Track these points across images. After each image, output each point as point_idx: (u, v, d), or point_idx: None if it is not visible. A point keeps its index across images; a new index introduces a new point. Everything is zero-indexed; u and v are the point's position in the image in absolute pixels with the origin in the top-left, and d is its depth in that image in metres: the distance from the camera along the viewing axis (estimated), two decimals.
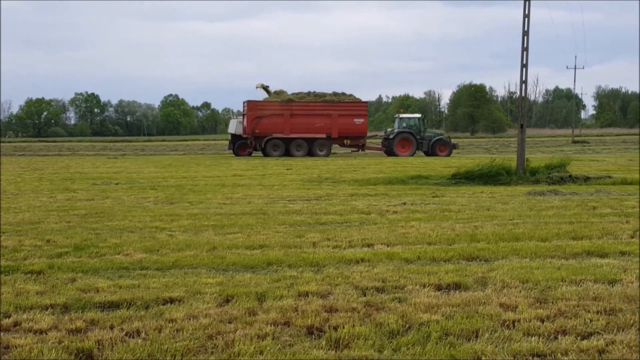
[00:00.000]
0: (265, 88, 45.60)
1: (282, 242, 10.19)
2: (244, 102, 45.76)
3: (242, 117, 45.59)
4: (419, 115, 48.15)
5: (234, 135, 46.06)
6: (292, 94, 45.71)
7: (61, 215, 13.50)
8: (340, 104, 44.86)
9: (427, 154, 44.43)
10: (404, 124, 45.89)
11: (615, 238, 10.47)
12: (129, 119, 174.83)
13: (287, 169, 29.20)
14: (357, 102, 46.47)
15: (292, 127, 43.73)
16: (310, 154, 43.59)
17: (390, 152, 44.60)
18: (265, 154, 43.39)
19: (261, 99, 45.57)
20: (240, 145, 45.41)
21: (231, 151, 46.47)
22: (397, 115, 48.26)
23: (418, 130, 45.14)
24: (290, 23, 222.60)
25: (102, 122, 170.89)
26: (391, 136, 45.23)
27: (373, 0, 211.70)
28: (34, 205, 15.46)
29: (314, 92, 46.25)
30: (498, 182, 20.61)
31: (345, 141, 45.34)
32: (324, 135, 44.06)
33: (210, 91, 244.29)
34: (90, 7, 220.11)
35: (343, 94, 46.34)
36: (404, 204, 15.31)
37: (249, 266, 8.50)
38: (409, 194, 17.83)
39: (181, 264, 8.62)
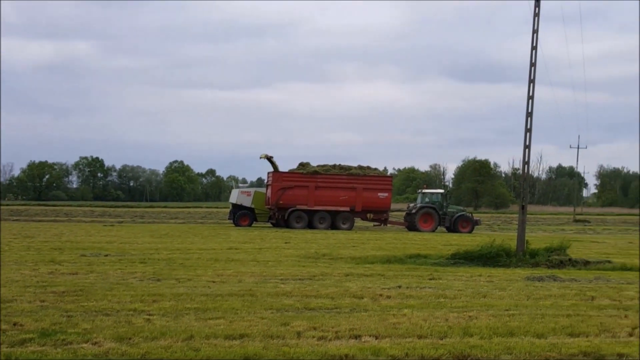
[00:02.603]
0: (269, 158, 45.40)
1: (264, 331, 9.55)
2: (268, 173, 45.66)
3: (246, 186, 45.22)
4: (441, 191, 48.05)
5: (234, 205, 45.79)
6: (317, 165, 45.66)
7: (37, 293, 12.87)
8: (365, 178, 44.67)
9: (449, 229, 44.02)
10: (427, 199, 45.67)
11: (613, 336, 9.90)
12: (132, 184, 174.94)
13: (286, 242, 28.60)
14: (382, 176, 46.31)
15: (316, 199, 43.54)
16: (334, 226, 43.27)
17: (412, 227, 44.21)
18: (288, 226, 43.04)
19: (270, 169, 45.39)
20: (240, 216, 45.07)
21: (231, 221, 46.07)
22: (420, 191, 48.09)
23: (440, 205, 44.84)
24: (302, 94, 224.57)
25: (104, 187, 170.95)
26: (413, 211, 44.92)
27: (384, 73, 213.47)
28: (13, 280, 14.83)
29: (339, 164, 46.19)
30: (497, 263, 20.06)
31: (368, 215, 45.00)
32: (347, 209, 43.77)
33: (215, 158, 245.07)
34: (102, 73, 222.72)
35: (368, 167, 46.28)
36: (399, 287, 14.70)
37: None
38: (406, 275, 17.22)
39: (150, 357, 7.99)
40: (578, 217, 76.46)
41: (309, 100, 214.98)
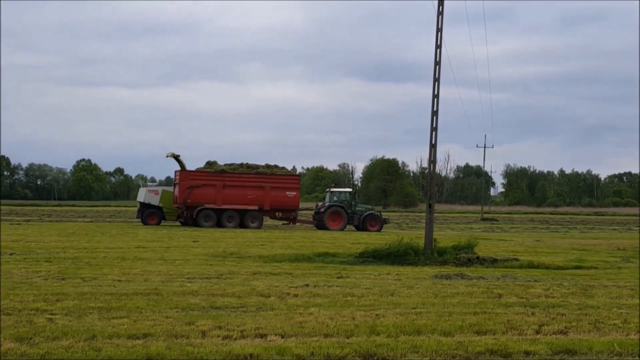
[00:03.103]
0: (176, 157, 45.08)
1: (169, 330, 9.53)
2: (175, 172, 45.23)
3: (155, 185, 44.66)
4: (350, 190, 48.46)
5: (142, 204, 45.29)
6: (225, 164, 45.39)
7: None
8: (273, 177, 44.78)
9: (358, 228, 44.48)
10: (335, 198, 45.98)
11: (520, 334, 10.11)
12: (39, 182, 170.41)
13: (194, 241, 28.41)
14: (290, 175, 46.57)
15: (224, 198, 43.40)
16: (243, 225, 43.15)
17: (321, 226, 44.44)
18: (197, 225, 42.71)
19: (178, 168, 44.99)
20: (148, 214, 44.62)
21: (139, 219, 45.52)
22: (328, 190, 48.35)
23: (349, 204, 45.20)
24: (206, 93, 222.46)
25: (11, 185, 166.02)
26: (322, 210, 45.15)
27: (290, 74, 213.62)
28: None
29: (247, 163, 46.05)
30: (406, 262, 20.35)
31: (277, 214, 45.17)
32: (256, 207, 43.76)
33: (124, 157, 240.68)
34: (4, 70, 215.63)
35: (276, 166, 46.31)
36: (307, 285, 14.83)
37: None
38: (314, 273, 17.37)
39: (50, 357, 7.88)
40: (486, 215, 78.33)
41: (216, 100, 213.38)
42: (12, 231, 33.82)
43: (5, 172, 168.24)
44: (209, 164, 45.57)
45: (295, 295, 13.31)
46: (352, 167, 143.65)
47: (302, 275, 16.74)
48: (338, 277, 16.59)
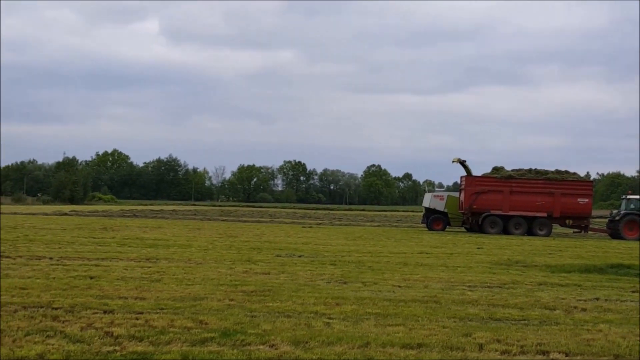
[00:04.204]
0: (462, 162, 44.63)
1: (444, 341, 9.16)
2: (461, 177, 45.06)
3: (441, 190, 44.61)
4: None
5: (427, 209, 45.47)
6: (512, 170, 44.41)
7: (228, 292, 13.23)
8: (564, 182, 42.81)
9: None
10: (632, 206, 42.99)
11: None
12: (332, 187, 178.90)
13: (478, 248, 27.82)
14: (582, 181, 44.15)
15: (511, 204, 42.39)
16: (530, 232, 41.87)
17: (615, 235, 41.76)
18: (482, 231, 42.26)
19: (464, 173, 44.64)
20: (434, 220, 44.68)
21: (425, 225, 45.75)
22: (624, 196, 45.33)
23: None
24: (498, 97, 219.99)
25: (307, 190, 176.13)
26: (617, 218, 42.45)
27: (588, 75, 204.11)
28: (209, 278, 15.39)
29: (535, 169, 44.61)
30: None
31: (567, 221, 43.19)
32: (544, 214, 42.22)
33: (412, 162, 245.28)
34: (304, 80, 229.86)
35: (566, 172, 44.33)
36: (597, 299, 13.71)
37: None
38: (606, 286, 16.05)
39: None
40: None
41: (506, 104, 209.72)
42: (303, 234, 35.53)
43: (302, 177, 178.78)
44: (496, 169, 44.64)
45: (584, 310, 12.32)
46: None
47: (592, 288, 15.55)
48: (633, 292, 15.17)
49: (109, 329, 9.35)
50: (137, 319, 10.15)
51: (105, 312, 10.70)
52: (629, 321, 11.24)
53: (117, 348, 8.34)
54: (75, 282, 14.06)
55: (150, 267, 17.42)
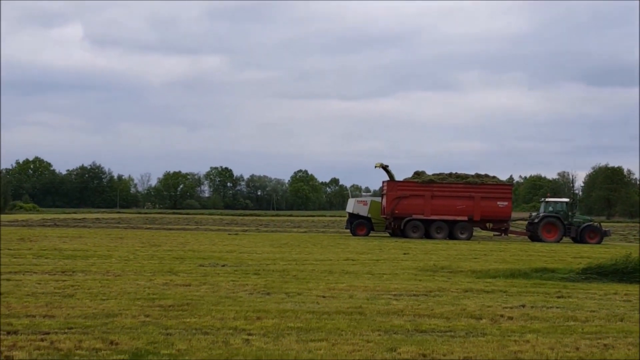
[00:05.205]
0: (385, 167, 44.63)
1: (368, 357, 8.77)
2: (383, 182, 44.91)
3: (363, 196, 44.55)
4: (567, 200, 45.58)
5: (351, 214, 45.38)
6: (433, 174, 44.51)
7: (144, 307, 12.58)
8: (484, 186, 43.07)
9: (575, 240, 41.86)
10: (550, 208, 43.64)
11: None
12: (259, 193, 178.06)
13: (404, 254, 27.66)
14: (501, 184, 44.48)
15: (432, 209, 42.43)
16: (451, 236, 41.99)
17: (534, 237, 42.35)
18: (404, 235, 42.22)
19: (388, 178, 44.57)
20: (357, 225, 44.60)
21: (349, 230, 45.61)
22: (543, 199, 45.96)
23: (565, 215, 42.71)
24: (423, 102, 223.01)
25: (234, 196, 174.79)
26: (536, 220, 43.02)
27: (509, 80, 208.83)
28: (126, 292, 14.69)
29: (456, 173, 44.75)
30: (635, 279, 18.33)
31: (487, 224, 43.59)
32: (465, 218, 42.41)
33: (339, 167, 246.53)
34: (230, 86, 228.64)
35: (486, 175, 44.56)
36: (523, 306, 13.55)
37: None
38: (531, 292, 15.95)
39: None
40: None
41: (430, 109, 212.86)
42: (229, 241, 34.87)
43: (228, 184, 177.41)
44: (417, 173, 44.71)
45: (510, 318, 12.10)
46: (572, 176, 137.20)
47: (517, 294, 15.42)
48: (558, 297, 15.11)
49: (10, 352, 8.65)
50: (42, 340, 9.47)
51: (8, 333, 9.96)
52: (555, 330, 11.05)
53: None
54: None
55: (65, 280, 16.60)
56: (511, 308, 13.24)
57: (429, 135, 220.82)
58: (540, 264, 22.35)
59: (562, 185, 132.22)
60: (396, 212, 42.67)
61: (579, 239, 41.52)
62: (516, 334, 10.64)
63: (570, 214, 42.92)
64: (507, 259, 25.41)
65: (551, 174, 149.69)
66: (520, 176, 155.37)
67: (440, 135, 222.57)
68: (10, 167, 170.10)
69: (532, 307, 13.50)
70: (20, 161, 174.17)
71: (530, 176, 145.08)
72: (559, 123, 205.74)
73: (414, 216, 42.49)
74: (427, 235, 42.10)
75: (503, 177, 49.49)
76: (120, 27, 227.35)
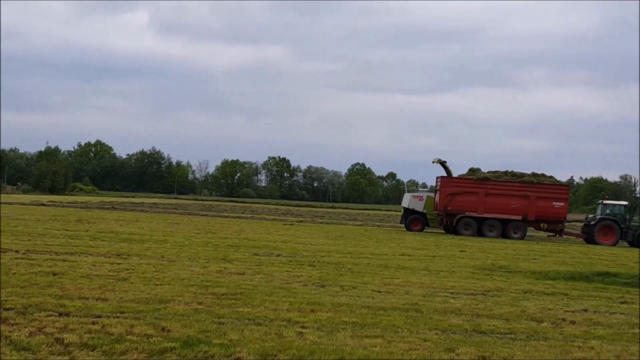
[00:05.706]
0: (442, 163, 44.04)
1: (425, 357, 8.45)
2: (437, 178, 44.46)
3: (420, 191, 44.16)
4: (625, 203, 44.33)
5: (406, 209, 44.97)
6: (488, 172, 43.85)
7: (197, 294, 12.46)
8: (539, 186, 42.25)
9: (632, 244, 40.66)
10: (608, 211, 42.59)
11: None
12: (316, 184, 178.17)
13: (461, 251, 27.17)
14: (558, 185, 43.63)
15: (486, 207, 41.81)
16: (504, 235, 41.31)
17: (590, 240, 41.39)
18: (456, 233, 41.71)
19: (443, 174, 44.03)
20: (412, 220, 44.23)
21: (403, 225, 45.16)
22: (600, 202, 44.89)
23: (623, 218, 41.60)
24: (485, 99, 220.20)
25: (290, 186, 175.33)
26: (592, 223, 42.04)
27: (575, 80, 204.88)
28: (180, 277, 14.62)
29: (511, 171, 44.07)
30: None
31: (542, 225, 42.76)
32: (519, 217, 41.67)
33: (396, 162, 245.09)
34: (293, 77, 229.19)
35: (543, 175, 43.72)
36: (585, 310, 13.06)
37: None
38: (593, 296, 15.41)
39: None
40: None
41: (495, 106, 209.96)
42: (284, 232, 34.79)
43: (285, 174, 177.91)
44: (472, 170, 44.10)
45: (572, 322, 11.64)
46: (635, 179, 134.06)
47: (579, 298, 14.91)
48: (621, 302, 14.55)
49: (61, 335, 8.57)
50: (93, 323, 9.38)
51: (60, 314, 9.91)
52: (621, 337, 10.57)
53: (65, 358, 7.57)
54: (36, 278, 13.27)
55: (120, 263, 16.64)
56: (573, 312, 12.77)
57: (488, 133, 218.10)
58: (601, 267, 21.72)
59: (623, 188, 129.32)
60: (449, 208, 42.20)
61: (636, 243, 40.36)
62: (579, 339, 10.20)
63: (628, 217, 41.78)
64: (567, 261, 24.74)
65: (613, 177, 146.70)
66: (581, 177, 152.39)
67: (500, 132, 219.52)
68: (72, 150, 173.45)
69: (594, 312, 13.00)
70: (82, 144, 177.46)
71: (591, 178, 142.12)
72: (623, 124, 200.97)
73: (467, 213, 41.91)
74: (480, 233, 41.51)
75: (563, 177, 48.44)
76: (185, 14, 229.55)
